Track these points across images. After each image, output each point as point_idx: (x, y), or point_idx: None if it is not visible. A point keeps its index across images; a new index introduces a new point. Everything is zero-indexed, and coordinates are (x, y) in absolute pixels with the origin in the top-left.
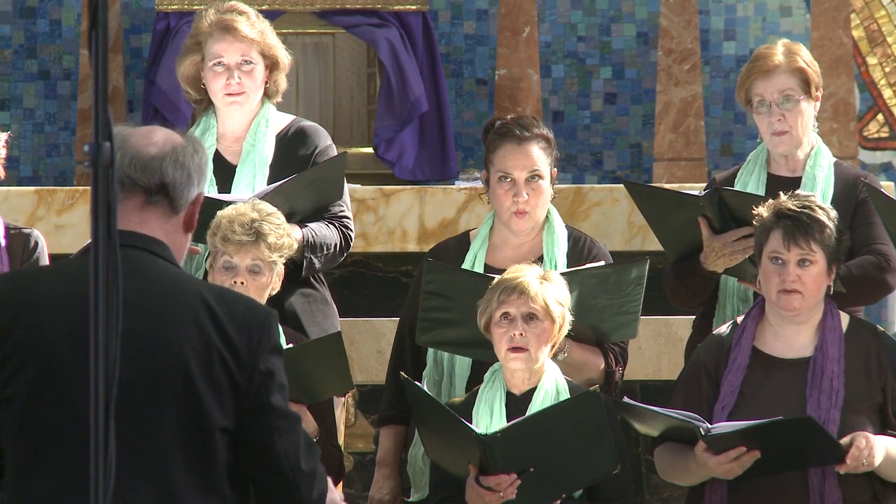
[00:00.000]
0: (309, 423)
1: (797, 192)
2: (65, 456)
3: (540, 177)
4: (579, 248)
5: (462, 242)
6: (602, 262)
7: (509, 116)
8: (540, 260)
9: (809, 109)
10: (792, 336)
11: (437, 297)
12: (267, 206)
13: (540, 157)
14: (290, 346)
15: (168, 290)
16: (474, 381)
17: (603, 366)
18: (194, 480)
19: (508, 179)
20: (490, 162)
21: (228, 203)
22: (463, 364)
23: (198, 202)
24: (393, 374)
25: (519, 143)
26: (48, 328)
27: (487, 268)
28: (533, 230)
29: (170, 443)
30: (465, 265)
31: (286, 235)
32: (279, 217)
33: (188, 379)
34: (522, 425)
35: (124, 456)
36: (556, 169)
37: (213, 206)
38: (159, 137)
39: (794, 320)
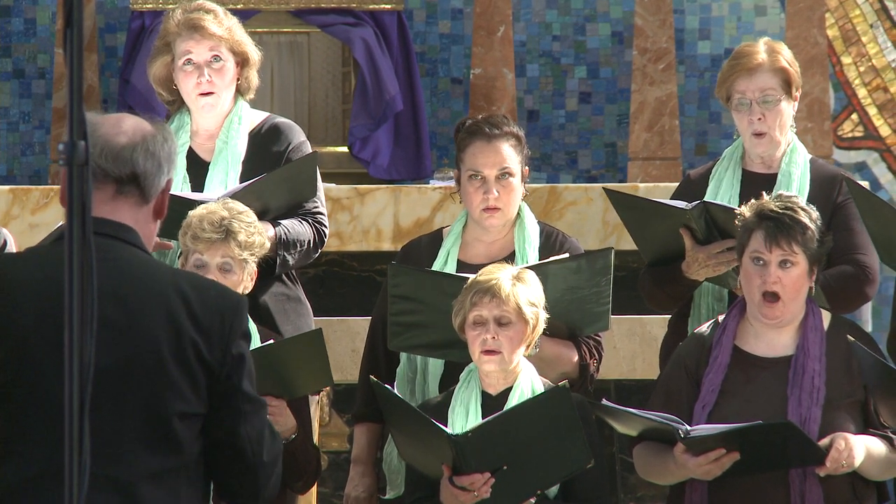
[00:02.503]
0: (288, 420)
1: (780, 192)
2: (37, 442)
3: (510, 174)
4: (551, 244)
5: (435, 239)
6: (566, 255)
7: (480, 116)
8: (513, 256)
9: (788, 109)
10: (773, 335)
11: (405, 300)
12: (237, 205)
13: (510, 154)
14: (271, 342)
15: (140, 276)
16: (448, 378)
17: (577, 359)
18: (162, 468)
19: (479, 177)
20: (461, 160)
21: (200, 202)
22: (436, 362)
23: (167, 189)
24: (366, 372)
25: (489, 140)
26: (18, 312)
27: (461, 264)
28: (505, 227)
29: (139, 430)
30: (439, 261)
31: (257, 234)
32: (250, 215)
33: (161, 364)
34: (493, 424)
35: (93, 445)
36: (527, 167)
37: (185, 205)
38: (129, 126)
39: (776, 325)
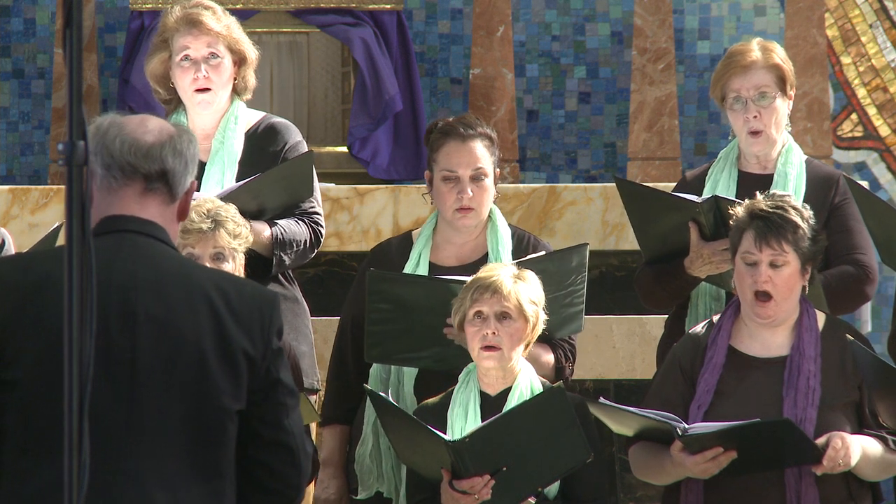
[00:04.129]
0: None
1: (773, 192)
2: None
3: (484, 175)
4: (524, 247)
5: (405, 241)
6: (542, 252)
7: (451, 117)
8: (485, 258)
9: (784, 108)
10: (768, 335)
11: (385, 308)
12: (216, 199)
13: (483, 155)
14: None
15: (178, 272)
16: (423, 380)
17: (553, 362)
18: (204, 465)
19: (453, 177)
20: (434, 161)
21: None
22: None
23: (191, 191)
24: (335, 374)
25: (463, 140)
26: (48, 313)
27: (432, 266)
28: (476, 228)
29: (182, 428)
30: (410, 264)
31: (241, 225)
32: (232, 207)
33: (203, 361)
34: (490, 428)
35: (138, 442)
36: (499, 169)
37: None
38: (154, 126)
39: (770, 325)
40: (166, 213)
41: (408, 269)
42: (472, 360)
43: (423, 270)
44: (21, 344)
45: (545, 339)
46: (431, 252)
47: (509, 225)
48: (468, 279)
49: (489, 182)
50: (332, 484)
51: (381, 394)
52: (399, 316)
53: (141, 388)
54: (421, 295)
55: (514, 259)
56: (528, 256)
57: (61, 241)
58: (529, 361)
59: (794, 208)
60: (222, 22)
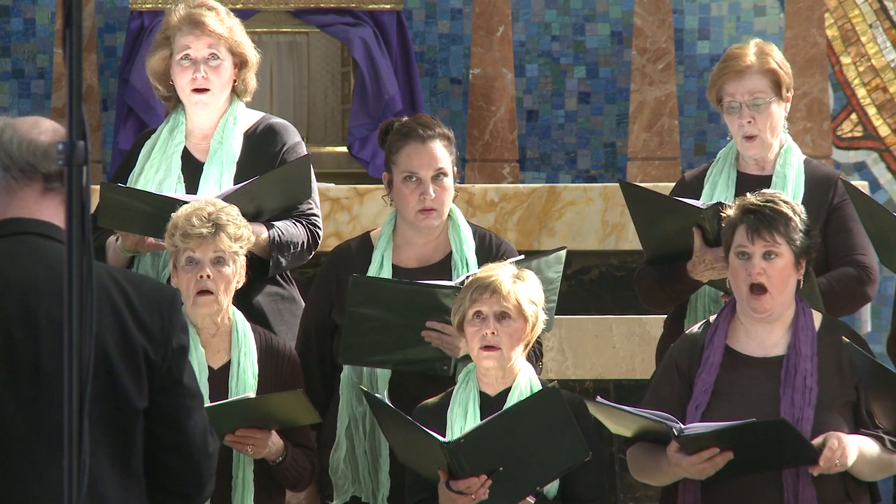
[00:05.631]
0: (275, 443)
1: (764, 190)
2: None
3: (444, 174)
4: (487, 245)
5: (364, 243)
6: (521, 256)
7: (405, 118)
8: (449, 258)
9: (780, 111)
10: (764, 335)
11: (367, 312)
12: (219, 201)
13: (443, 154)
14: (252, 396)
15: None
16: (397, 382)
17: None
18: (114, 464)
19: (414, 178)
20: (393, 163)
21: (185, 202)
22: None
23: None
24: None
25: (423, 142)
26: (4, 304)
27: (395, 268)
28: (437, 228)
29: (93, 427)
30: (374, 266)
31: (243, 227)
32: (234, 209)
33: (107, 361)
34: (484, 429)
35: (48, 440)
36: (456, 167)
37: (172, 206)
38: (48, 126)
39: (766, 320)
40: (62, 212)
41: (371, 271)
42: (449, 360)
43: (386, 272)
44: None
45: None
46: (393, 254)
47: (469, 223)
48: (453, 284)
49: (449, 181)
50: (301, 491)
51: (376, 395)
52: (379, 320)
53: (47, 391)
54: (403, 300)
55: (478, 257)
56: (509, 260)
57: None
58: None
59: (785, 202)
60: (225, 24)
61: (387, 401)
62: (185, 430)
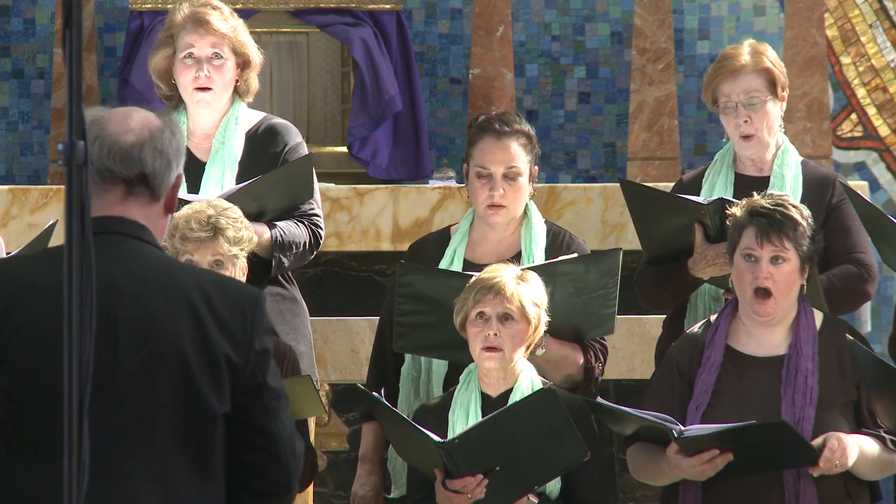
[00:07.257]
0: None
1: (771, 191)
2: (52, 450)
3: (518, 173)
4: (558, 244)
5: (443, 237)
6: (575, 254)
7: (493, 112)
8: (519, 255)
9: (775, 110)
10: (765, 334)
11: (413, 299)
12: (222, 202)
13: (519, 153)
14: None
15: (160, 274)
16: (452, 377)
17: (582, 361)
18: (193, 468)
19: (486, 174)
20: (470, 156)
21: (187, 202)
22: (441, 361)
23: (177, 184)
24: (374, 372)
25: (498, 138)
26: (31, 322)
27: (467, 263)
28: (511, 225)
29: (168, 432)
30: (445, 260)
31: (244, 228)
32: (235, 211)
33: (185, 364)
34: (480, 429)
35: (124, 446)
36: (536, 167)
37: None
38: (136, 123)
39: (768, 323)
40: (150, 212)
41: (443, 264)
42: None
43: (457, 266)
44: (9, 347)
45: (577, 340)
46: (468, 248)
47: (546, 221)
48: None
49: (523, 181)
50: (368, 481)
51: (373, 393)
52: (425, 308)
53: (124, 393)
54: (447, 288)
55: (546, 257)
56: (561, 258)
57: (56, 240)
58: (560, 361)
59: (794, 206)
60: (229, 23)
61: (382, 399)
62: (271, 433)
